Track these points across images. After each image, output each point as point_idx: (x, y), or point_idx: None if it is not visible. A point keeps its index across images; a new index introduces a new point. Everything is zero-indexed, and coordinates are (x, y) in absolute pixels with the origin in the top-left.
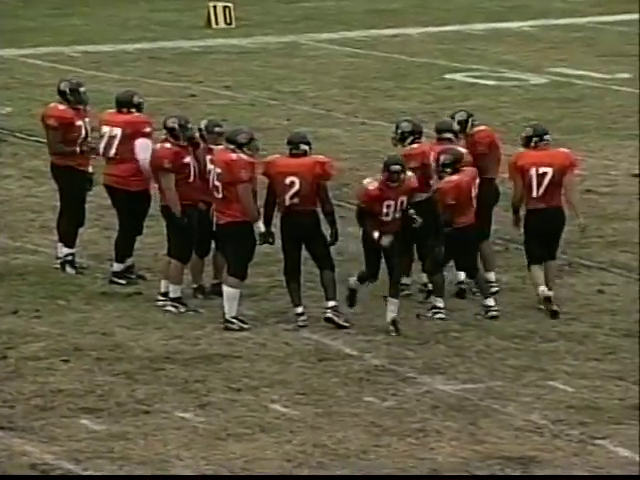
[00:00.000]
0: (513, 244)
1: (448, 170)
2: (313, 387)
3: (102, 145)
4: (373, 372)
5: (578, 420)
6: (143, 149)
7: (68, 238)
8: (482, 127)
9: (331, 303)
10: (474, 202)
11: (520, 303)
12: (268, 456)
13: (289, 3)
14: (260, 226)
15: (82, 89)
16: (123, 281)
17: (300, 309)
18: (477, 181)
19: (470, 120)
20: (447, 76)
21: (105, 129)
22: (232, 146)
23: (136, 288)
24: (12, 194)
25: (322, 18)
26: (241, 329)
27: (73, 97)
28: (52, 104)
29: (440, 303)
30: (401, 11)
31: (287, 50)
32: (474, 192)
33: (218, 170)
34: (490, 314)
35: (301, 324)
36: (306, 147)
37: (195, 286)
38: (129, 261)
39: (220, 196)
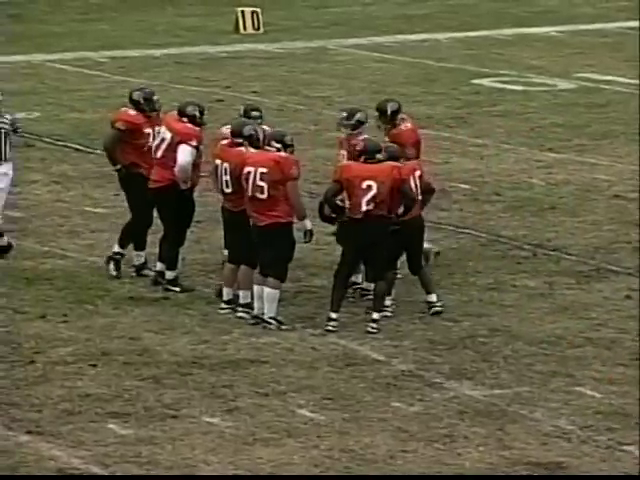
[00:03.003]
0: (541, 249)
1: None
2: (340, 392)
3: (155, 143)
4: (400, 377)
5: (606, 426)
6: (185, 153)
7: (140, 242)
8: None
9: (375, 315)
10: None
11: (548, 309)
12: (295, 461)
13: (317, 8)
14: (307, 224)
15: (155, 97)
16: (177, 288)
17: (335, 315)
18: (418, 173)
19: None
20: (475, 81)
21: (162, 129)
22: (278, 145)
23: (163, 293)
24: (40, 199)
25: (350, 23)
26: (279, 329)
27: (147, 106)
28: (123, 108)
29: (387, 301)
30: (429, 16)
31: (315, 55)
32: (412, 185)
33: (263, 170)
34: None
35: (330, 329)
36: (380, 156)
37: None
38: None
39: (264, 196)
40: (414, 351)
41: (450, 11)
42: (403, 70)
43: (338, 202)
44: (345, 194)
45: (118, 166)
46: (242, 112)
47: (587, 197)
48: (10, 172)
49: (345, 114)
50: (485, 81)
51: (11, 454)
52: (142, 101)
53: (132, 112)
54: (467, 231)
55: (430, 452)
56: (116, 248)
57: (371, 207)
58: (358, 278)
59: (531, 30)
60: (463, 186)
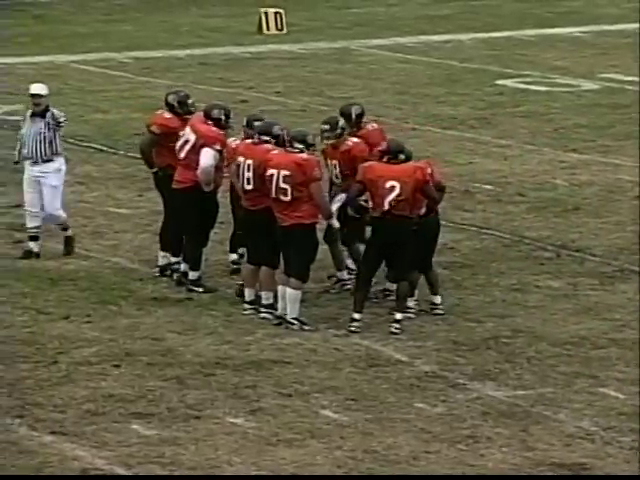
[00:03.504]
0: (564, 250)
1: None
2: (363, 393)
3: (179, 144)
4: (423, 378)
5: (629, 427)
6: (208, 156)
7: (176, 246)
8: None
9: (398, 316)
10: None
11: (571, 309)
12: (318, 462)
13: (340, 9)
14: (334, 223)
15: (190, 101)
16: (200, 289)
17: (358, 315)
18: (429, 171)
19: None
20: (498, 82)
21: (186, 130)
22: (301, 146)
23: (187, 294)
24: (64, 199)
25: (373, 24)
26: (302, 330)
27: (182, 109)
28: (159, 111)
29: (410, 302)
30: (452, 17)
31: (338, 56)
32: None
33: (286, 172)
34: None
35: (353, 329)
36: (403, 156)
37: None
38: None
39: (288, 198)
40: (437, 352)
41: (473, 12)
42: (426, 71)
43: (362, 202)
44: (368, 194)
45: (155, 169)
46: (245, 123)
47: (611, 198)
48: (63, 167)
49: (327, 126)
50: (509, 82)
51: (35, 454)
52: (176, 104)
53: (167, 115)
54: (490, 232)
55: (453, 453)
56: (172, 259)
57: (394, 207)
58: (343, 275)
59: (555, 31)
60: (486, 187)
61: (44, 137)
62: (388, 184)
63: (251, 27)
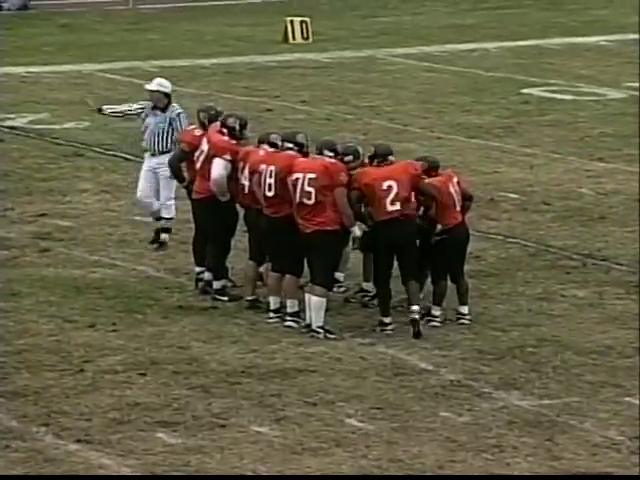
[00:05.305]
0: (590, 259)
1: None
2: (389, 402)
3: (196, 154)
4: (449, 387)
5: None
6: (218, 167)
7: (201, 256)
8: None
9: (415, 307)
10: (456, 203)
11: (597, 319)
12: (343, 471)
13: (366, 18)
14: (356, 231)
15: (220, 118)
16: (225, 298)
17: (388, 319)
18: (455, 180)
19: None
20: (524, 91)
21: (203, 141)
22: (331, 154)
23: (212, 302)
24: (90, 208)
25: (398, 33)
26: (327, 339)
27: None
28: (190, 127)
29: (436, 311)
30: (478, 26)
31: (364, 65)
32: (453, 192)
33: (312, 175)
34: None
35: (388, 332)
36: (392, 158)
37: (250, 299)
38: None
39: (312, 202)
40: (463, 361)
41: (499, 20)
42: (452, 80)
43: (363, 211)
44: (368, 200)
45: (185, 183)
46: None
47: (636, 207)
48: None
49: (351, 157)
50: (534, 90)
51: (60, 463)
52: (207, 122)
53: (197, 132)
54: (516, 241)
55: (479, 462)
56: (197, 269)
57: (397, 207)
58: (369, 286)
59: (580, 39)
60: (512, 195)
61: (163, 130)
62: (385, 184)
63: (277, 36)
